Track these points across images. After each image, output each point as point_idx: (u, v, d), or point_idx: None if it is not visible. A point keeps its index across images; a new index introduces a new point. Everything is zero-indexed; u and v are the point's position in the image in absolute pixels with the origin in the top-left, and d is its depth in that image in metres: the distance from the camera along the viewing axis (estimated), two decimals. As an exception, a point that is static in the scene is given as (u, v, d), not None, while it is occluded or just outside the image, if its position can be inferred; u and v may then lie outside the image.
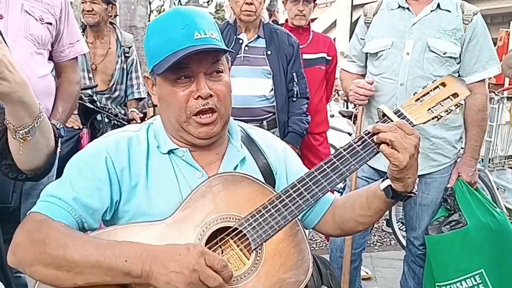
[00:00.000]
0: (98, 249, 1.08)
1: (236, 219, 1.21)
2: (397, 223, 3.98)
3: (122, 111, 3.40)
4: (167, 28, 1.25)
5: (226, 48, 1.27)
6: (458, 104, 1.33)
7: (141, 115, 3.28)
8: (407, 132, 1.18)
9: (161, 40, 1.24)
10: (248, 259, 1.19)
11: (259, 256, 1.18)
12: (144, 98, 3.63)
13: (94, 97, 3.27)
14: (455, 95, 1.32)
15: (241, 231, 1.20)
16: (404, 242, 3.78)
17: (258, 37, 2.78)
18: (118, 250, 1.07)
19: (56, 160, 1.49)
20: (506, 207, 4.07)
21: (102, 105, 3.13)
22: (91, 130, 3.11)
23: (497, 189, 4.20)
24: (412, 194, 1.27)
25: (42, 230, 1.11)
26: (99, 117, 3.09)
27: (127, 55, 3.47)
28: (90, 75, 3.34)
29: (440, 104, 1.31)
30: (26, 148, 1.11)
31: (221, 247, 1.21)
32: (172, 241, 1.15)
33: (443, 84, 1.33)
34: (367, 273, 3.46)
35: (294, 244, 1.22)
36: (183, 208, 1.21)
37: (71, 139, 3.03)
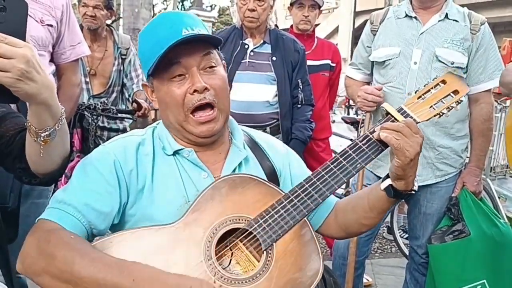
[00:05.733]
0: (106, 267, 1.06)
1: (245, 220, 1.22)
2: (398, 230, 3.98)
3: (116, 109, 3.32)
4: (155, 31, 1.27)
5: (213, 35, 1.28)
6: (459, 101, 1.35)
7: (146, 103, 3.21)
8: (414, 131, 1.20)
9: (150, 43, 1.27)
10: (258, 261, 1.19)
11: (269, 257, 1.19)
12: None
13: (91, 101, 3.24)
14: (455, 92, 1.35)
15: (251, 233, 1.20)
16: (405, 250, 3.78)
17: (264, 42, 2.77)
18: (127, 269, 1.06)
19: None
20: (507, 216, 4.06)
21: (87, 104, 3.09)
22: (82, 130, 3.10)
23: (499, 198, 4.20)
24: (412, 192, 1.28)
25: (51, 242, 1.10)
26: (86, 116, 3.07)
27: (124, 56, 3.46)
28: (87, 79, 3.31)
29: (441, 101, 1.34)
30: (45, 152, 1.10)
31: (231, 249, 1.22)
32: (182, 244, 1.16)
33: (444, 82, 1.36)
34: (368, 280, 3.45)
35: (304, 244, 1.23)
36: (192, 211, 1.21)
37: None
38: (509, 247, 2.27)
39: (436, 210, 2.41)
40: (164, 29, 1.25)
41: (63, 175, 2.80)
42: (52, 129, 1.07)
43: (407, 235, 3.92)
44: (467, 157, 2.47)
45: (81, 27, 3.34)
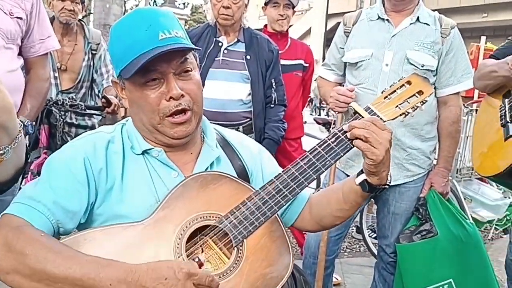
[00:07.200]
0: (82, 267, 1.04)
1: (216, 217, 1.22)
2: (367, 230, 4.03)
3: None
4: (130, 31, 1.23)
5: (192, 46, 1.27)
6: (423, 101, 1.39)
7: (116, 99, 3.14)
8: (381, 128, 1.23)
9: (125, 44, 1.23)
10: (228, 258, 1.21)
11: (240, 253, 1.20)
12: None
13: (59, 97, 3.15)
14: (420, 92, 1.38)
15: (221, 229, 1.21)
16: (373, 249, 3.84)
17: (238, 41, 2.76)
18: (103, 271, 1.04)
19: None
20: (472, 217, 4.17)
21: (55, 100, 3.01)
22: (49, 126, 3.04)
23: (464, 199, 4.30)
24: (386, 186, 1.32)
25: (20, 238, 1.07)
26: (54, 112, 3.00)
27: (94, 52, 3.38)
28: (56, 74, 3.23)
29: (407, 101, 1.37)
30: None
31: (201, 246, 1.22)
32: (152, 242, 1.15)
33: (409, 82, 1.40)
34: (337, 279, 3.48)
35: (274, 239, 1.25)
36: (162, 208, 1.20)
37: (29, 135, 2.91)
38: (475, 247, 2.32)
39: (405, 210, 2.45)
40: (139, 30, 1.21)
41: (29, 172, 2.75)
42: (7, 149, 1.04)
43: (375, 235, 3.98)
44: (435, 158, 2.52)
45: (51, 20, 3.26)
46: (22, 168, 1.18)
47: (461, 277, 2.31)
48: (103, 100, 3.05)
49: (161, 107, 1.24)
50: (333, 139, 1.29)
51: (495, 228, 4.73)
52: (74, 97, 3.24)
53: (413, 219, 2.44)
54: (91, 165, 1.22)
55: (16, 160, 1.13)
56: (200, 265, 1.13)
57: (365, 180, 1.30)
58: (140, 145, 1.30)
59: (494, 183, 4.82)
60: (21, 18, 1.96)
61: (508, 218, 4.75)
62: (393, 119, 1.36)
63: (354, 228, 4.49)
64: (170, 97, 1.23)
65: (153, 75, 1.22)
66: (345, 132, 1.27)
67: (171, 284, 1.02)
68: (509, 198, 4.68)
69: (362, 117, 1.32)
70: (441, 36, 2.31)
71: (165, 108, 1.24)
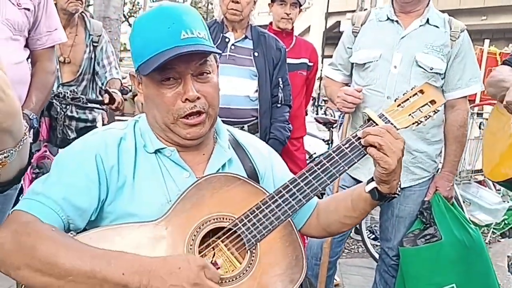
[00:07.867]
0: (93, 259, 1.04)
1: (229, 219, 1.21)
2: (366, 231, 4.02)
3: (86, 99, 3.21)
4: (152, 27, 1.22)
5: (213, 49, 1.25)
6: (436, 111, 1.40)
7: (120, 95, 3.09)
8: (395, 136, 1.22)
9: (146, 39, 1.22)
10: (240, 262, 1.20)
11: (253, 257, 1.19)
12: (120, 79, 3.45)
13: (61, 89, 3.11)
14: (432, 102, 1.39)
15: (234, 232, 1.20)
16: (372, 251, 3.83)
17: (246, 37, 2.72)
18: (114, 262, 1.04)
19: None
20: (471, 221, 4.17)
21: (56, 92, 2.97)
22: (49, 119, 3.01)
23: (463, 202, 4.31)
24: (395, 195, 1.32)
25: (31, 234, 1.06)
26: (55, 105, 2.97)
27: (95, 44, 3.34)
28: (57, 66, 3.16)
29: (419, 110, 1.38)
30: (2, 171, 1.04)
31: (213, 249, 1.21)
32: (164, 242, 1.14)
33: (421, 91, 1.41)
34: (336, 279, 3.47)
35: (288, 244, 1.24)
36: (175, 208, 1.19)
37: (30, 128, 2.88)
38: (479, 253, 2.32)
39: (409, 213, 2.44)
40: (161, 28, 1.20)
41: (30, 166, 2.72)
42: (11, 152, 1.01)
43: (374, 236, 3.98)
44: (440, 162, 2.51)
45: None
46: (24, 169, 1.15)
47: (464, 282, 2.31)
48: (106, 95, 3.02)
49: (176, 108, 1.23)
50: (347, 145, 1.28)
51: (492, 232, 4.75)
52: (75, 89, 3.20)
53: (417, 222, 2.43)
54: (102, 162, 1.21)
55: (19, 162, 1.10)
56: (215, 265, 1.14)
57: (375, 188, 1.29)
58: (153, 143, 1.29)
59: (493, 187, 4.84)
60: (28, 9, 1.93)
61: (506, 222, 4.77)
62: (406, 127, 1.36)
63: (353, 229, 4.48)
64: (186, 99, 1.22)
65: (170, 74, 1.21)
66: (359, 138, 1.27)
67: (184, 274, 1.03)
68: (508, 202, 4.69)
69: (376, 123, 1.31)
70: (450, 39, 2.29)
71: (180, 109, 1.23)
